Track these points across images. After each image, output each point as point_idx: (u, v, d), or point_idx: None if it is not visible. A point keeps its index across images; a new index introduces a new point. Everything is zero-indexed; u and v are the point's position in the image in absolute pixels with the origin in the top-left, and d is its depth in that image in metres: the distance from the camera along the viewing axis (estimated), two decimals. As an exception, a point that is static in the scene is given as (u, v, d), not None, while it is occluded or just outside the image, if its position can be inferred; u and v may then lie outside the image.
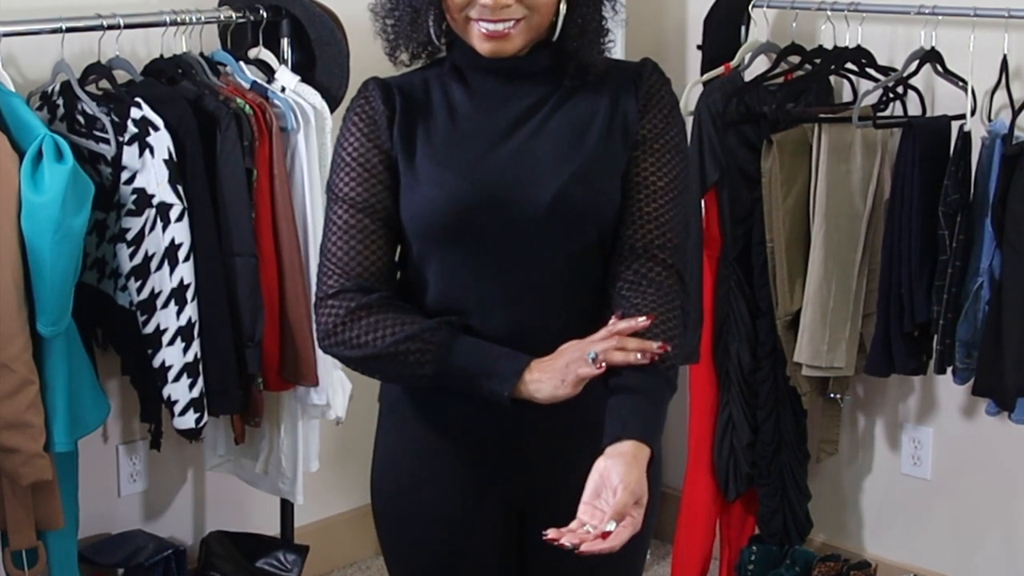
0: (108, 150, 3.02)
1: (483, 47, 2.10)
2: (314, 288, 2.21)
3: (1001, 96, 3.34)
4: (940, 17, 3.38)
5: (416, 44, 2.17)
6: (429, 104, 2.17)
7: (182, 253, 3.03)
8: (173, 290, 3.03)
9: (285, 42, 3.34)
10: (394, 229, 2.17)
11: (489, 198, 2.11)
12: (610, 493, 1.95)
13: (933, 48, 3.41)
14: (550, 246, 2.13)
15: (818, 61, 3.55)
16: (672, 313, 2.11)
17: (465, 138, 2.15)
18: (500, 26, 2.08)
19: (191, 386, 3.08)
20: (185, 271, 3.04)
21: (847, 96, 3.65)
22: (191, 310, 3.05)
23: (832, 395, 3.69)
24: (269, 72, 3.33)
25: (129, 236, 3.03)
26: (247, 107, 3.14)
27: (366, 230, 2.15)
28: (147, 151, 2.99)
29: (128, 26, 3.12)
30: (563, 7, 2.12)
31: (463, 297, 2.14)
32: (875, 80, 3.51)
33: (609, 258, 2.17)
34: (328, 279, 2.16)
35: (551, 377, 2.05)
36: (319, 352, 3.25)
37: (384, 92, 2.18)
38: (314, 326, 2.19)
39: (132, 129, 2.99)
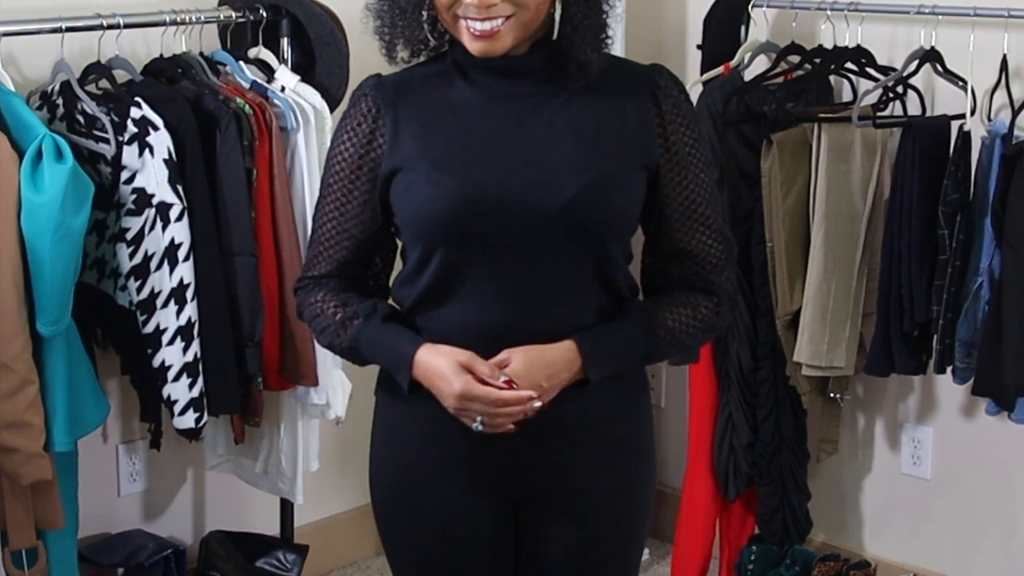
0: (108, 150, 3.02)
1: (473, 46, 2.08)
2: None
3: (1001, 96, 3.34)
4: (940, 17, 3.38)
5: (415, 42, 2.15)
6: (430, 101, 2.15)
7: (182, 253, 3.03)
8: (173, 290, 3.03)
9: (285, 42, 3.34)
10: (375, 233, 2.23)
11: (491, 200, 2.09)
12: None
13: (933, 48, 3.40)
14: (556, 251, 2.12)
15: (818, 61, 3.55)
16: (700, 326, 2.20)
17: (466, 137, 2.12)
18: (488, 24, 2.05)
19: (191, 386, 3.08)
20: (185, 271, 3.04)
21: (847, 96, 3.65)
22: (191, 310, 3.05)
23: (832, 395, 3.69)
24: (269, 72, 3.33)
25: (129, 236, 3.03)
26: (247, 107, 3.14)
27: (347, 226, 2.22)
28: (147, 151, 2.99)
29: (128, 26, 3.12)
30: (558, 4, 2.08)
31: (461, 296, 2.14)
32: (875, 80, 3.51)
33: (645, 269, 2.26)
34: (307, 261, 2.29)
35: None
36: (319, 352, 3.26)
37: (381, 92, 2.17)
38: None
39: (132, 129, 2.99)
